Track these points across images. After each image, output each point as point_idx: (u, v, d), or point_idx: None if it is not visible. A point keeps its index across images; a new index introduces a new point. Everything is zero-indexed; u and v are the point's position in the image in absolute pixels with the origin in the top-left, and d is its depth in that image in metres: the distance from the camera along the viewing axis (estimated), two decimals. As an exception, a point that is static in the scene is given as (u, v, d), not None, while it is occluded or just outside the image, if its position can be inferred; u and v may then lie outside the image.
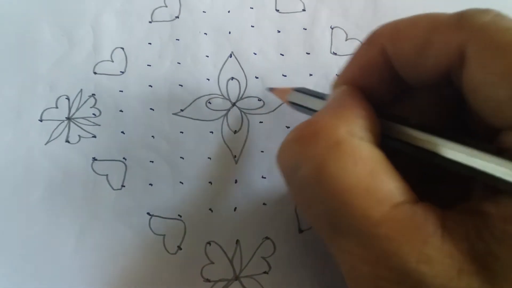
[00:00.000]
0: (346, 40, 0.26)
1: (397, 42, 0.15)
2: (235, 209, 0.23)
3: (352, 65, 0.17)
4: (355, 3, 0.27)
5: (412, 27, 0.15)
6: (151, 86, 0.26)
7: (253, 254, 0.22)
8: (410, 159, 0.15)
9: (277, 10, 0.27)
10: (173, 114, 0.25)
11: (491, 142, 0.13)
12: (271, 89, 0.23)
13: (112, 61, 0.27)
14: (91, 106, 0.26)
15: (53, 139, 0.25)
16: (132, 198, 0.24)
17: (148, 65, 0.26)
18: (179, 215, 0.23)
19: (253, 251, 0.22)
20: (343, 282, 0.14)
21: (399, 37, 0.15)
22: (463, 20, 0.14)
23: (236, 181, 0.24)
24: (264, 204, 0.23)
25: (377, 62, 0.16)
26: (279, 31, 0.27)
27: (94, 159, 0.24)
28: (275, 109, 0.25)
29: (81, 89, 0.26)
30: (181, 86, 0.26)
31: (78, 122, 0.25)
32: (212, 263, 0.22)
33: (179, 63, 0.26)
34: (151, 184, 0.24)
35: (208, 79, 0.26)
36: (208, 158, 0.24)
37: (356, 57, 0.17)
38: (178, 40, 0.27)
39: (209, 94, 0.25)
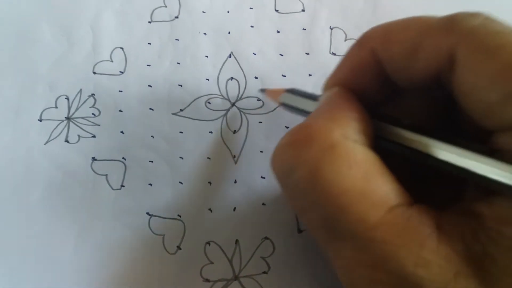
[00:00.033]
0: (346, 40, 0.26)
1: (388, 45, 0.15)
2: (234, 209, 0.23)
3: (343, 67, 0.17)
4: (354, 4, 0.27)
5: (402, 30, 0.15)
6: (151, 86, 0.26)
7: (253, 254, 0.22)
8: (403, 160, 0.15)
9: (277, 11, 0.27)
10: (172, 114, 0.25)
11: (483, 142, 0.13)
12: (264, 90, 0.24)
13: (112, 61, 0.27)
14: (91, 106, 0.26)
15: (53, 139, 0.25)
16: (132, 198, 0.24)
17: (147, 65, 0.26)
18: (178, 215, 0.23)
19: (252, 251, 0.22)
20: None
21: (389, 40, 0.15)
22: (453, 24, 0.14)
23: (235, 181, 0.24)
24: (263, 204, 0.23)
25: (368, 64, 0.16)
26: (278, 31, 0.27)
27: (94, 159, 0.24)
28: (274, 109, 0.25)
29: (81, 89, 0.26)
30: (181, 86, 0.26)
31: (77, 122, 0.25)
32: (212, 263, 0.22)
33: (179, 63, 0.26)
34: (150, 184, 0.24)
35: (208, 79, 0.26)
36: (208, 158, 0.24)
37: (347, 59, 0.17)
38: (178, 40, 0.27)
39: (209, 94, 0.25)
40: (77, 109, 0.26)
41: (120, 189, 0.24)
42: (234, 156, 0.24)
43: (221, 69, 0.26)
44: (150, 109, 0.25)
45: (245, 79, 0.26)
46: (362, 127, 0.14)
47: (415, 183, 0.15)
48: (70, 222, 0.23)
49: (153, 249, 0.23)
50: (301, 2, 0.27)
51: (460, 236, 0.12)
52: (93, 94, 0.26)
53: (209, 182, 0.24)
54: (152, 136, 0.25)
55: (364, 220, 0.13)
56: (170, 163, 0.24)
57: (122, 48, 0.27)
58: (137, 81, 0.26)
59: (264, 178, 0.23)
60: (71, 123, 0.25)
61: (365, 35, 0.16)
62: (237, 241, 0.22)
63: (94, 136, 0.25)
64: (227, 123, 0.25)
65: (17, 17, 0.28)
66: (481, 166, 0.13)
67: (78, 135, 0.25)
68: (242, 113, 0.25)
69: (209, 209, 0.23)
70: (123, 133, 0.25)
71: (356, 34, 0.26)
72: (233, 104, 0.25)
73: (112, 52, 0.27)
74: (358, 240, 0.13)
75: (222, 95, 0.25)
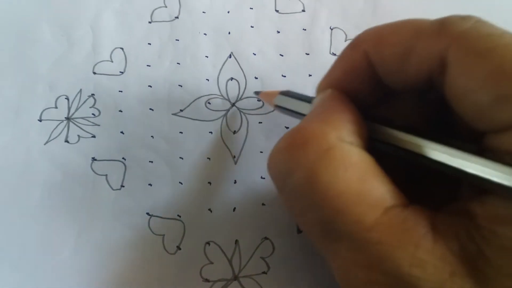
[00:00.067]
0: (346, 40, 0.26)
1: (380, 48, 0.15)
2: (234, 209, 0.23)
3: (336, 69, 0.17)
4: (354, 4, 0.27)
5: (395, 34, 0.15)
6: (151, 86, 0.26)
7: (252, 254, 0.22)
8: (397, 161, 0.15)
9: (277, 11, 0.27)
10: (172, 114, 0.25)
11: (475, 143, 0.14)
12: (258, 93, 0.24)
13: (112, 61, 0.27)
14: (91, 106, 0.26)
15: (53, 139, 0.25)
16: (132, 198, 0.24)
17: (147, 65, 0.26)
18: (178, 215, 0.23)
19: (252, 251, 0.22)
20: (341, 282, 0.14)
21: (381, 44, 0.15)
22: (444, 27, 0.14)
23: (235, 182, 0.24)
24: (263, 204, 0.23)
25: (361, 66, 0.16)
26: (278, 32, 0.27)
27: (94, 159, 0.24)
28: (274, 110, 0.25)
29: (81, 89, 0.26)
30: (181, 86, 0.26)
31: (77, 122, 0.25)
32: (211, 263, 0.22)
33: (179, 64, 0.26)
34: (150, 184, 0.24)
35: (208, 80, 0.26)
36: (208, 158, 0.24)
37: (340, 61, 0.17)
38: (178, 40, 0.27)
39: (209, 95, 0.25)
40: (77, 109, 0.26)
41: (120, 189, 0.24)
42: (234, 156, 0.24)
43: (221, 69, 0.26)
44: (150, 109, 0.25)
45: (245, 80, 0.26)
46: (356, 129, 0.15)
47: (410, 184, 0.15)
48: (70, 222, 0.23)
49: (153, 249, 0.23)
50: (301, 2, 0.27)
51: (455, 236, 0.13)
52: (93, 94, 0.26)
53: (209, 182, 0.24)
54: (152, 136, 0.25)
55: (361, 221, 0.13)
56: (170, 163, 0.24)
57: (122, 48, 0.27)
58: (137, 81, 0.26)
59: (264, 178, 0.23)
60: (71, 123, 0.25)
61: (358, 37, 0.16)
62: (236, 241, 0.22)
63: (94, 136, 0.25)
64: (227, 124, 0.25)
65: (17, 17, 0.28)
66: (472, 165, 0.13)
67: (78, 135, 0.25)
68: (242, 114, 0.25)
69: (209, 209, 0.23)
70: (123, 133, 0.25)
71: (356, 34, 0.26)
72: (233, 105, 0.25)
73: (112, 52, 0.27)
74: (354, 241, 0.13)
75: (222, 96, 0.25)
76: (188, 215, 0.23)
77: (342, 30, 0.26)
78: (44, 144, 0.25)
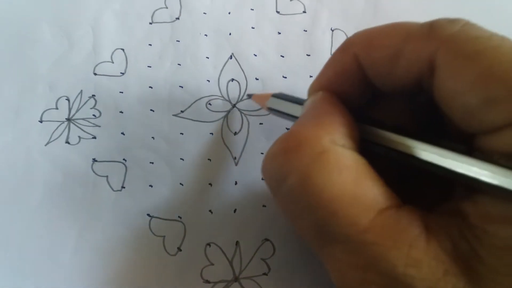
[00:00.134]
0: (346, 42, 0.26)
1: (369, 51, 0.16)
2: (235, 210, 0.23)
3: (327, 71, 0.18)
4: (355, 5, 0.27)
5: (384, 37, 0.15)
6: (151, 87, 0.26)
7: (253, 255, 0.22)
8: (389, 162, 0.15)
9: (278, 12, 0.27)
10: (173, 115, 0.25)
11: (466, 144, 0.14)
12: (251, 96, 0.24)
13: (112, 62, 0.27)
14: (91, 107, 0.26)
15: (53, 140, 0.25)
16: (132, 199, 0.24)
17: (148, 66, 0.26)
18: (179, 216, 0.23)
19: (252, 252, 0.22)
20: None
21: (371, 46, 0.16)
22: (433, 30, 0.14)
23: (236, 183, 0.24)
24: (264, 206, 0.23)
25: (351, 69, 0.16)
26: (279, 33, 0.27)
27: (94, 160, 0.24)
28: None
29: (81, 90, 0.26)
30: (181, 87, 0.26)
31: (78, 123, 0.25)
32: (212, 264, 0.22)
33: (180, 65, 0.26)
34: (151, 185, 0.24)
35: (208, 81, 0.26)
36: (208, 159, 0.24)
37: (331, 64, 0.17)
38: (179, 41, 0.27)
39: (209, 96, 0.25)
40: (77, 110, 0.26)
41: (120, 190, 0.24)
42: (235, 158, 0.24)
43: (222, 70, 0.26)
44: (151, 110, 0.25)
45: (246, 81, 0.26)
46: (349, 131, 0.15)
47: (403, 185, 0.15)
48: (71, 223, 0.23)
49: (154, 250, 0.23)
50: (302, 3, 0.27)
51: (448, 236, 0.13)
52: (93, 95, 0.26)
53: (210, 184, 0.24)
54: (152, 137, 0.25)
55: (355, 223, 0.13)
56: (170, 164, 0.24)
57: (122, 49, 0.27)
58: (137, 82, 0.26)
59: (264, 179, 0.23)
60: (71, 124, 0.25)
61: (348, 40, 0.17)
62: (237, 242, 0.23)
63: (94, 137, 0.25)
64: (227, 125, 0.25)
65: (17, 17, 0.28)
66: (462, 165, 0.13)
67: (79, 136, 0.25)
68: (242, 115, 0.25)
69: (210, 211, 0.23)
70: (124, 134, 0.25)
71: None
72: (234, 106, 0.25)
73: (112, 53, 0.27)
74: (349, 243, 0.13)
75: (223, 96, 0.25)
76: (189, 216, 0.23)
77: (343, 31, 0.26)
78: (45, 145, 0.25)
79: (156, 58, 0.26)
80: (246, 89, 0.25)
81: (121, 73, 0.26)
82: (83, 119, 0.25)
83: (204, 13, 0.27)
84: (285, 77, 0.26)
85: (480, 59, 0.13)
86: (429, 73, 0.14)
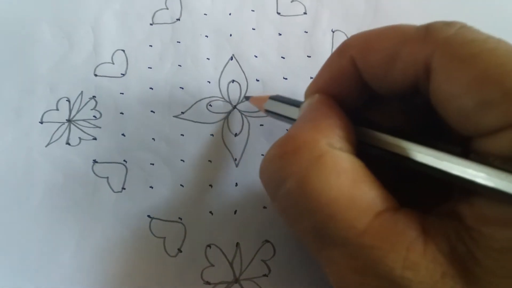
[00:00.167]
0: (347, 43, 0.26)
1: (366, 54, 0.16)
2: (235, 212, 0.23)
3: (323, 74, 0.18)
4: (356, 6, 0.27)
5: (380, 40, 0.15)
6: (152, 89, 0.26)
7: (253, 257, 0.22)
8: (386, 164, 0.15)
9: (278, 13, 0.27)
10: (173, 116, 0.25)
11: (462, 146, 0.14)
12: (248, 98, 0.24)
13: (113, 63, 0.27)
14: (92, 108, 0.26)
15: (54, 141, 0.25)
16: (133, 200, 0.24)
17: (149, 67, 0.26)
18: (179, 217, 0.23)
19: (253, 254, 0.22)
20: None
21: (367, 49, 0.16)
22: (429, 33, 0.14)
23: (236, 184, 0.24)
24: (264, 207, 0.23)
25: (347, 72, 0.16)
26: (280, 34, 0.27)
27: (95, 161, 0.24)
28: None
29: (82, 91, 0.26)
30: (182, 88, 0.26)
31: (78, 124, 0.25)
32: (212, 265, 0.22)
33: (180, 66, 0.26)
34: (151, 187, 0.24)
35: (209, 82, 0.26)
36: (209, 161, 0.24)
37: (328, 66, 0.17)
38: (179, 42, 0.27)
39: (210, 97, 0.25)
40: (78, 111, 0.26)
41: (121, 191, 0.24)
42: (235, 159, 0.24)
43: (222, 71, 0.26)
44: (151, 111, 0.25)
45: (247, 82, 0.26)
46: (345, 135, 0.15)
47: (400, 187, 0.15)
48: (71, 225, 0.23)
49: (154, 252, 0.23)
50: (302, 4, 0.27)
51: (445, 238, 0.13)
52: (94, 97, 0.26)
53: (210, 185, 0.24)
54: (153, 138, 0.25)
55: (353, 226, 0.13)
56: (171, 166, 0.24)
57: (123, 50, 0.27)
58: (138, 83, 0.26)
59: (265, 181, 0.23)
60: (72, 126, 0.25)
61: (345, 43, 0.17)
62: (237, 244, 0.23)
63: (95, 139, 0.25)
64: (228, 126, 0.25)
65: (17, 17, 0.28)
66: (457, 167, 0.13)
67: (79, 138, 0.25)
68: (243, 116, 0.25)
69: (210, 212, 0.23)
70: (124, 136, 0.25)
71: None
72: (234, 107, 0.25)
73: (113, 54, 0.27)
74: (347, 247, 0.13)
75: (223, 98, 0.25)
76: (189, 218, 0.23)
77: (344, 33, 0.26)
78: (45, 146, 0.25)
79: (156, 59, 0.26)
80: (246, 90, 0.25)
81: (121, 74, 0.26)
82: (83, 120, 0.25)
83: (204, 14, 0.27)
84: (286, 79, 0.26)
85: (475, 62, 0.13)
86: (425, 76, 0.14)
